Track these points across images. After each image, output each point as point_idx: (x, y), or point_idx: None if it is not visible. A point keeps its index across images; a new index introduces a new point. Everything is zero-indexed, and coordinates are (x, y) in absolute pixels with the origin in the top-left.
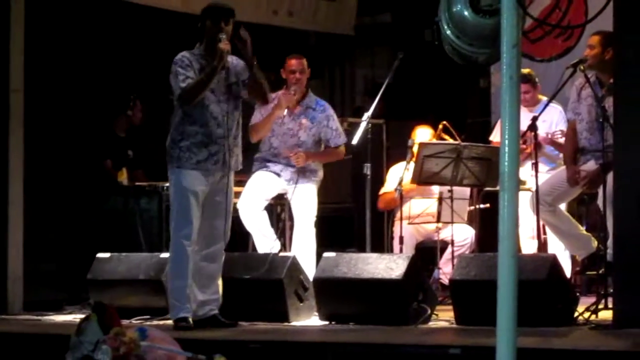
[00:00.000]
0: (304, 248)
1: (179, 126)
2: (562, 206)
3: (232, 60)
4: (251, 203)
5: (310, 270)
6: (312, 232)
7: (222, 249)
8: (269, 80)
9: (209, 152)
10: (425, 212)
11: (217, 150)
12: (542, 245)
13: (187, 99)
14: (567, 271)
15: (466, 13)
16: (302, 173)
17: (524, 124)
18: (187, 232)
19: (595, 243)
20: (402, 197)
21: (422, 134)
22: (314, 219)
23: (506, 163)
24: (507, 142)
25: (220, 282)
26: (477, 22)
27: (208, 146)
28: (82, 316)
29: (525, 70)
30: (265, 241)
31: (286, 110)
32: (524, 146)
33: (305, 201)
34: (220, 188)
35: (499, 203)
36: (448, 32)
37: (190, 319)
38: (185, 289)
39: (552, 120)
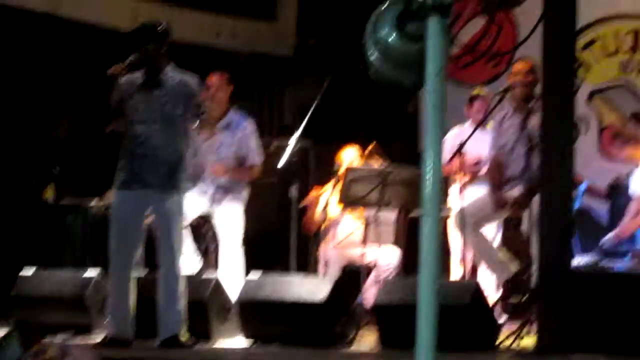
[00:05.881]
0: (230, 269)
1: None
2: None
3: (174, 75)
4: None
5: (237, 291)
6: (238, 252)
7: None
8: None
9: None
10: (351, 236)
11: None
12: (470, 269)
13: None
14: (492, 296)
15: (392, 37)
16: (227, 192)
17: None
18: None
19: (513, 267)
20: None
21: (349, 154)
22: (240, 238)
23: (429, 188)
24: (430, 168)
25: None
26: (403, 47)
27: None
28: (3, 333)
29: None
30: (187, 260)
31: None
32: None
33: (230, 221)
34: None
35: (421, 228)
36: (374, 56)
37: None
38: None
39: None
